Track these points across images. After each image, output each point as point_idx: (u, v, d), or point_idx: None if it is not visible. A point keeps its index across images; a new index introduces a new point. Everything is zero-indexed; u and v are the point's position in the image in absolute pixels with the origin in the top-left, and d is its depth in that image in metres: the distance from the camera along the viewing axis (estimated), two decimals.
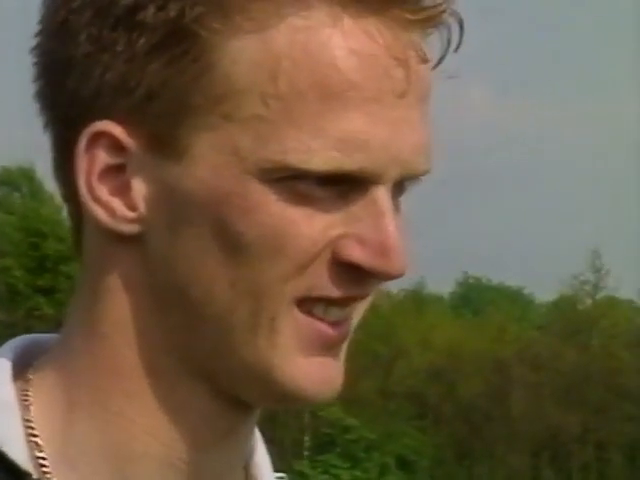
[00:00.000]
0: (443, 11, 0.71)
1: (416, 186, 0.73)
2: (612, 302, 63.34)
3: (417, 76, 0.71)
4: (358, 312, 0.75)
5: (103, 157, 0.73)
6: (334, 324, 0.72)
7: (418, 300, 65.06)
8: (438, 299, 70.70)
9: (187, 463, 0.76)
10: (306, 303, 0.71)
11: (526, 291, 73.94)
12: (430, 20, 0.71)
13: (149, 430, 0.75)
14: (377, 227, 0.70)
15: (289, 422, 51.73)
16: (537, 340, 60.07)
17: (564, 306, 64.83)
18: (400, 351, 55.84)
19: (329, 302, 0.72)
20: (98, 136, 0.72)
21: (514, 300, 72.90)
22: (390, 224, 0.70)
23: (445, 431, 55.95)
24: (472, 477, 55.59)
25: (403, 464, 54.54)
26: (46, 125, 0.76)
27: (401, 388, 55.06)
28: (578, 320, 60.74)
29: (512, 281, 77.39)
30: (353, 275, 0.71)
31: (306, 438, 53.69)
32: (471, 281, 76.14)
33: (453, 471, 55.60)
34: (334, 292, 0.71)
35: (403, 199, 0.72)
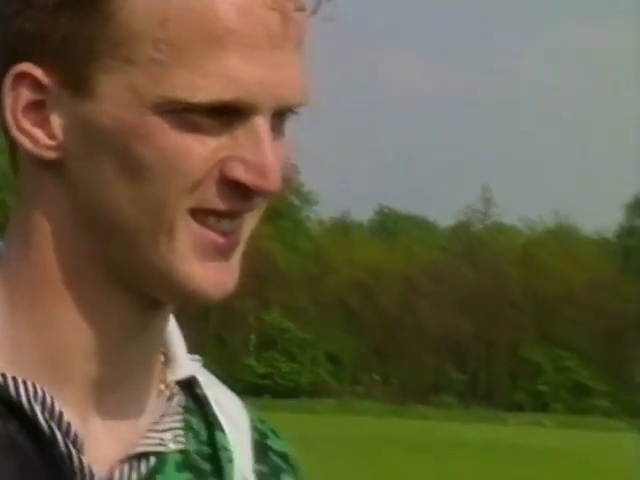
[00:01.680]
0: None
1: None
2: (499, 227, 69.77)
3: (293, 23, 0.77)
4: (248, 225, 0.80)
5: (26, 94, 0.78)
6: (225, 234, 0.78)
7: (343, 226, 70.28)
8: (360, 226, 75.06)
9: (109, 352, 0.82)
10: (199, 215, 0.77)
11: (430, 218, 78.39)
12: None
13: (76, 326, 0.81)
14: (257, 151, 0.76)
15: (238, 325, 55.94)
16: (440, 259, 65.15)
17: (460, 231, 70.64)
18: (329, 268, 60.84)
19: (219, 215, 0.77)
20: (21, 76, 0.78)
21: (421, 226, 76.94)
22: (268, 149, 0.76)
23: (365, 334, 60.22)
24: (386, 370, 59.91)
25: (331, 358, 59.41)
26: None
27: (329, 298, 59.79)
28: (472, 242, 66.40)
29: (419, 210, 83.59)
30: (238, 192, 0.77)
31: (252, 337, 58.03)
32: (386, 211, 79.69)
33: (371, 364, 60.06)
34: (221, 205, 0.77)
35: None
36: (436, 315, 60.71)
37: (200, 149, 0.77)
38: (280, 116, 0.79)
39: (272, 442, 0.94)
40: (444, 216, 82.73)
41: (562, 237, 70.31)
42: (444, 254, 67.91)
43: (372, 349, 61.40)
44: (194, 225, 0.78)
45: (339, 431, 34.33)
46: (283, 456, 0.94)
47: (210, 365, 0.94)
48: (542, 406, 59.15)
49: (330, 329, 59.64)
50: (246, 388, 46.70)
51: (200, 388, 0.89)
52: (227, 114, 0.77)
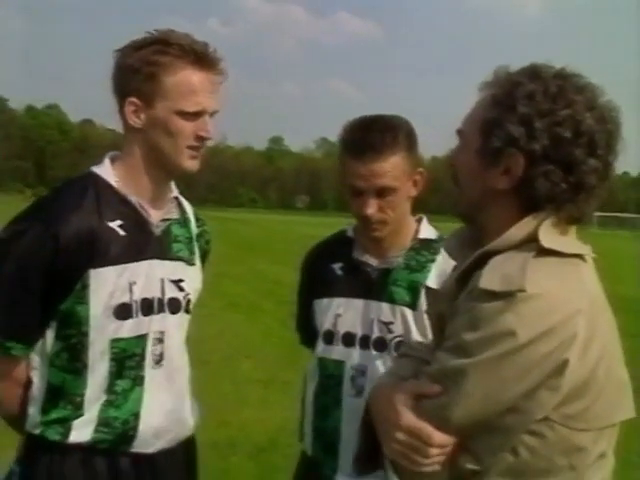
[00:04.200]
0: (223, 70, 1.86)
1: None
2: None
3: (217, 86, 1.88)
4: (203, 149, 1.93)
5: (132, 107, 1.85)
6: (197, 152, 1.89)
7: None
8: None
9: (156, 187, 1.94)
10: (189, 147, 1.86)
11: None
12: (222, 72, 1.87)
13: (146, 179, 1.91)
14: (205, 126, 1.87)
15: None
16: None
17: None
18: None
19: (195, 147, 1.88)
20: (131, 102, 1.85)
21: None
22: (209, 125, 1.88)
23: None
24: None
25: None
26: (115, 95, 1.88)
27: None
28: None
29: None
30: (201, 139, 1.87)
31: None
32: None
33: None
34: (196, 143, 1.87)
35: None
36: None
37: (189, 126, 1.86)
38: (212, 115, 1.87)
39: (201, 217, 2.18)
40: None
41: None
42: None
43: None
44: (188, 150, 1.87)
45: None
46: (201, 220, 2.17)
47: None
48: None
49: None
50: None
51: (180, 198, 2.07)
52: (197, 114, 1.85)
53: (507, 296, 1.27)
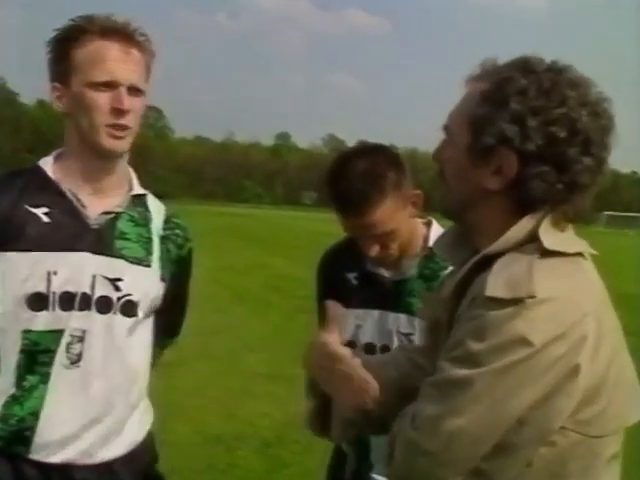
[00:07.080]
0: (142, 44, 1.78)
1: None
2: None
3: (132, 56, 1.77)
4: (135, 124, 1.79)
5: (56, 93, 1.79)
6: (118, 130, 1.76)
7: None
8: None
9: (94, 175, 1.83)
10: (109, 125, 1.74)
11: None
12: (139, 46, 1.77)
13: (81, 166, 1.81)
14: (120, 98, 1.74)
15: None
16: None
17: None
18: None
19: (115, 125, 1.74)
20: (54, 87, 1.79)
21: None
22: (126, 99, 1.75)
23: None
24: None
25: None
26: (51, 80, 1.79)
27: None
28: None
29: None
30: (118, 112, 1.73)
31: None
32: None
33: None
34: (112, 119, 1.75)
35: None
36: None
37: (102, 98, 1.76)
38: (130, 88, 1.76)
39: (176, 219, 2.01)
40: None
41: None
42: None
43: None
44: (107, 128, 1.76)
45: None
46: (174, 223, 2.00)
47: None
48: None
49: None
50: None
51: (146, 196, 1.95)
52: (108, 85, 1.75)
53: (515, 303, 1.20)
